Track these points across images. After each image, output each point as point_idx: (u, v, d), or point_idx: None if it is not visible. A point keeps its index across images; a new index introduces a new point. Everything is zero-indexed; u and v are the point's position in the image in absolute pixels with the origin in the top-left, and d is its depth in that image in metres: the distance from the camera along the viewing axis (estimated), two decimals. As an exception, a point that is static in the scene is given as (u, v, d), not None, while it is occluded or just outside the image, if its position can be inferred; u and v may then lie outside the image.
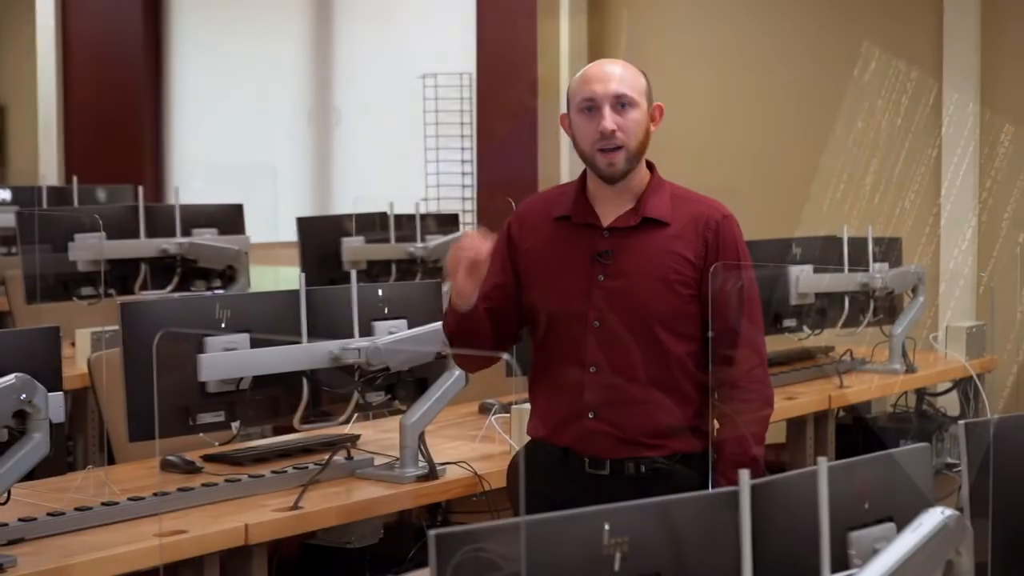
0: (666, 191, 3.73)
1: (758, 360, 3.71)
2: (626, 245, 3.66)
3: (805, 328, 6.14)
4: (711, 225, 3.67)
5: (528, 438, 3.85)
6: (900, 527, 2.33)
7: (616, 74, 3.66)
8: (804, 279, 6.00)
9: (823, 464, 2.13)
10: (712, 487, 3.57)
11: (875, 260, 6.20)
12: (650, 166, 3.75)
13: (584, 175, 3.76)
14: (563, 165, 8.66)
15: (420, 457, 4.18)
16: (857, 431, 6.39)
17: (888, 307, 6.37)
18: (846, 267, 6.11)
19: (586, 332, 3.64)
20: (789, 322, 6.07)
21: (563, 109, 3.78)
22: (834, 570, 2.19)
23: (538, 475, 3.74)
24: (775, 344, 6.34)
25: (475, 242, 3.57)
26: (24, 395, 3.28)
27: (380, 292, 4.31)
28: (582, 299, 3.65)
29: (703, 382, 3.68)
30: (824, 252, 6.19)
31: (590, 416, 3.66)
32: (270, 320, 4.14)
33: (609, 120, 3.61)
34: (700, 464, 3.71)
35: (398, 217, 7.05)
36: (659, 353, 3.64)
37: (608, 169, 3.64)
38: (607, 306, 3.64)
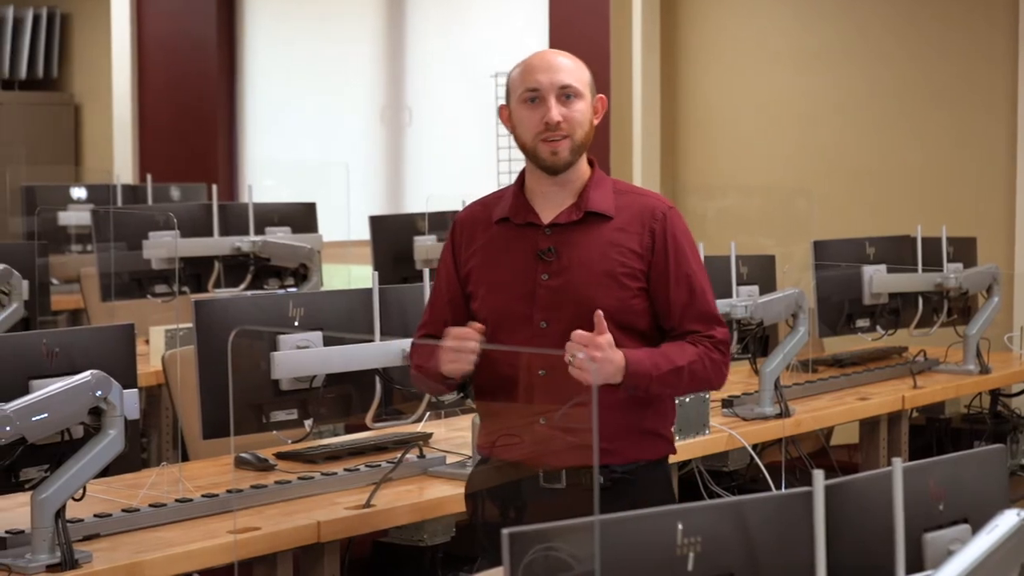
0: (608, 185, 3.58)
1: (719, 353, 3.51)
2: (569, 241, 3.50)
3: (878, 328, 6.11)
4: (657, 216, 3.52)
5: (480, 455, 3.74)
6: (975, 529, 2.32)
7: (561, 64, 3.54)
8: (878, 279, 5.98)
9: (898, 465, 2.11)
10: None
11: (949, 260, 6.16)
12: (591, 162, 3.61)
13: (522, 176, 3.62)
14: (636, 160, 8.64)
15: (492, 455, 4.18)
16: (931, 432, 6.35)
17: (962, 307, 6.32)
18: (920, 267, 6.07)
19: (533, 334, 3.48)
20: (862, 322, 6.05)
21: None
22: (909, 572, 2.18)
23: (493, 495, 3.61)
24: (848, 344, 6.33)
25: (469, 336, 3.43)
26: (99, 392, 3.31)
27: (452, 290, 4.31)
28: (526, 300, 3.50)
29: None
30: (898, 252, 6.15)
31: (542, 423, 3.48)
32: (343, 318, 4.16)
33: (555, 111, 3.48)
34: (661, 471, 3.59)
35: (470, 216, 7.05)
36: None
37: (551, 158, 3.49)
38: (553, 305, 3.47)
